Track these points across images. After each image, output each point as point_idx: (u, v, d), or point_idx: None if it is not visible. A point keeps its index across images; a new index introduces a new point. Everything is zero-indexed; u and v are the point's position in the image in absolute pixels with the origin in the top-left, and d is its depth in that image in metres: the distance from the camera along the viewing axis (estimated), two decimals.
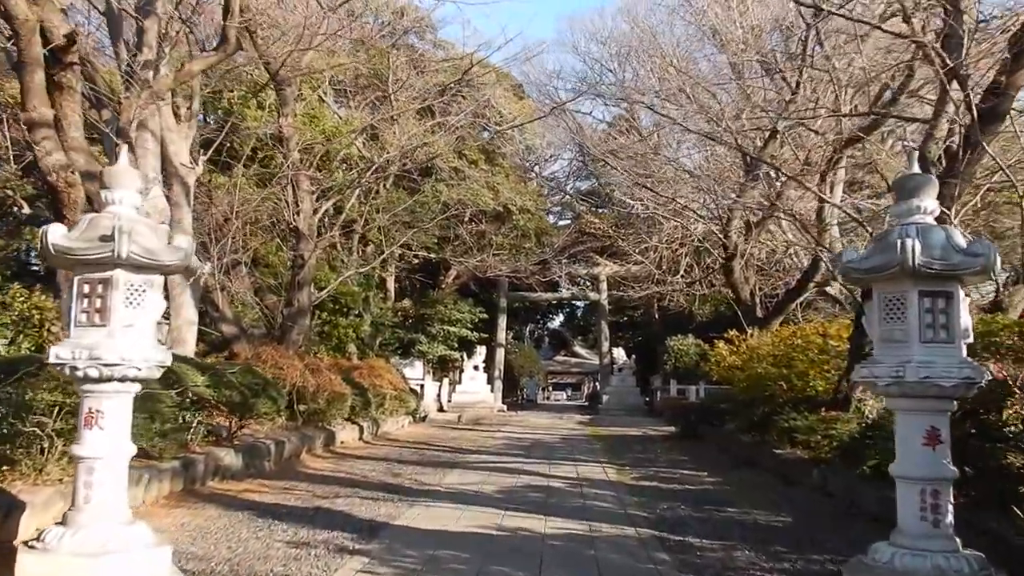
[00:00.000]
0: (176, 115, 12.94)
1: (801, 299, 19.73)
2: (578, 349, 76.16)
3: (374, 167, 19.37)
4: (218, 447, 10.79)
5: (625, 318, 46.70)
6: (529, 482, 11.88)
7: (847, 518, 8.75)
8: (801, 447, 12.31)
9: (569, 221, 43.09)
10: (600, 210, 42.37)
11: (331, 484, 11.09)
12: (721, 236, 19.58)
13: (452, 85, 21.73)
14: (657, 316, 40.56)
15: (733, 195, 18.50)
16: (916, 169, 5.42)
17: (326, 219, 21.28)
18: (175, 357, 10.91)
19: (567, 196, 48.44)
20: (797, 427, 11.93)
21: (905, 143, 16.85)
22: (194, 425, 10.21)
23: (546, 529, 8.03)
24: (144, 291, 5.50)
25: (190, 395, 10.24)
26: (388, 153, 19.98)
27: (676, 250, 29.61)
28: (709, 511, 9.39)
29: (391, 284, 32.46)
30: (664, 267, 29.84)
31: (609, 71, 45.24)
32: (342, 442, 16.53)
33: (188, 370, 10.05)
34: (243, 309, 17.96)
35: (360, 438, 17.86)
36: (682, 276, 29.34)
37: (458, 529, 7.92)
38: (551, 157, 46.91)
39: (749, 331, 18.33)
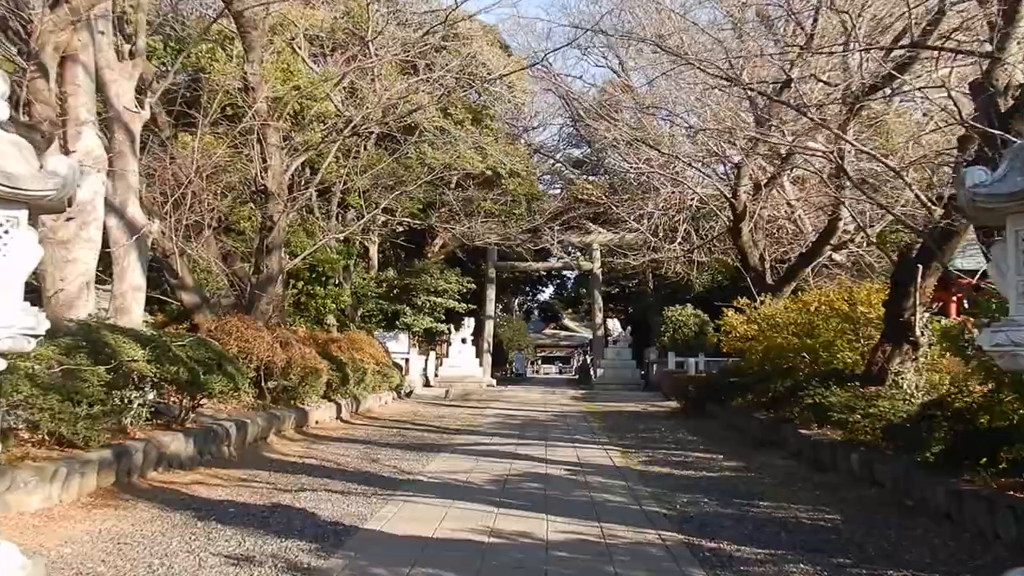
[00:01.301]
0: (119, 53, 11.27)
1: (815, 263, 18.22)
2: (568, 322, 74.97)
3: (352, 123, 17.69)
4: (166, 431, 9.26)
5: (617, 289, 45.24)
6: (525, 469, 10.43)
7: (909, 516, 7.31)
8: (833, 427, 10.88)
9: (559, 190, 41.50)
10: (592, 178, 40.83)
11: (297, 473, 9.62)
12: (729, 196, 18.05)
13: (436, 31, 19.92)
14: (652, 286, 39.10)
15: (742, 150, 16.96)
16: None
17: (301, 180, 19.67)
18: (113, 328, 9.40)
19: (558, 164, 46.88)
20: (830, 404, 10.47)
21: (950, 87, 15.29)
22: (134, 407, 8.68)
23: (550, 534, 6.57)
24: (5, 232, 4.00)
25: (133, 373, 8.73)
26: (367, 109, 18.29)
27: (673, 216, 28.14)
28: (739, 506, 7.95)
29: (374, 253, 30.80)
30: (661, 234, 28.35)
31: (601, 32, 43.87)
32: (317, 422, 15.04)
33: (124, 342, 8.50)
34: (209, 277, 16.39)
35: (338, 417, 16.37)
36: (679, 243, 27.83)
37: (442, 535, 6.45)
38: (540, 126, 45.38)
39: (760, 298, 16.85)
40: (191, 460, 9.36)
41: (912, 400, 9.61)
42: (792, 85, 16.37)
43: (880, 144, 24.11)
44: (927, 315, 11.41)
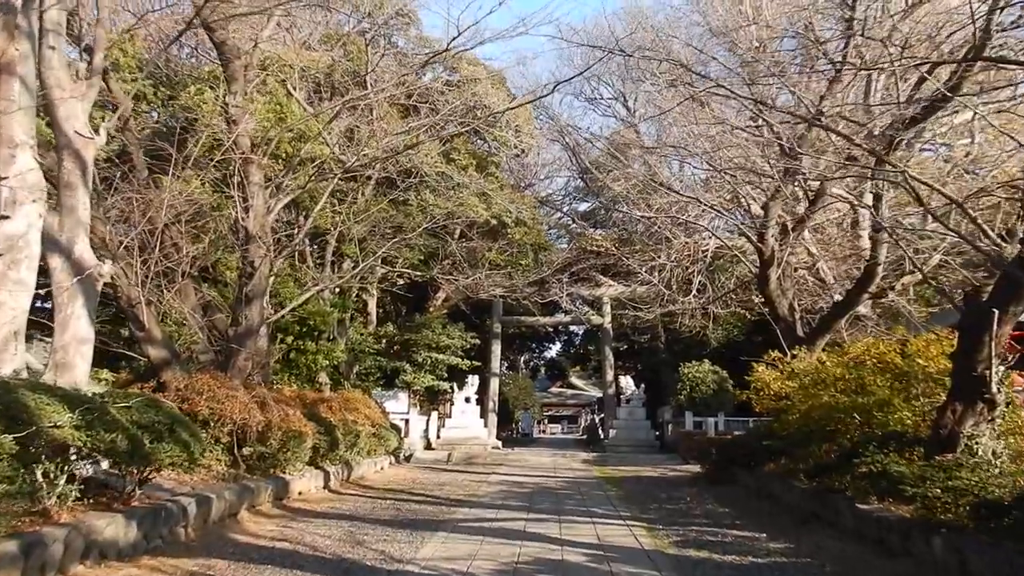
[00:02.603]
0: (75, 72, 9.93)
1: (850, 314, 16.62)
2: (575, 380, 73.04)
3: (346, 166, 16.35)
4: (104, 512, 7.65)
5: (628, 345, 43.52)
6: (537, 553, 8.75)
7: None
8: (897, 501, 9.21)
9: (567, 244, 40.15)
10: (600, 232, 39.51)
11: (262, 562, 7.96)
12: (754, 241, 16.56)
13: (436, 70, 18.70)
14: (664, 341, 37.41)
15: (766, 191, 15.55)
16: None
17: (292, 225, 18.26)
18: (36, 386, 7.83)
19: (565, 217, 45.67)
20: (899, 474, 8.81)
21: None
22: (60, 484, 7.10)
23: None
24: None
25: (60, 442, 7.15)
26: (364, 150, 16.98)
27: (688, 268, 26.68)
28: None
29: (372, 307, 29.27)
30: (674, 286, 26.84)
31: (607, 84, 43.03)
32: (300, 493, 13.37)
33: (47, 404, 6.94)
34: (181, 331, 14.88)
35: (325, 486, 14.69)
36: (695, 296, 26.25)
37: None
38: (547, 178, 44.35)
39: (792, 352, 15.25)
40: (133, 547, 7.71)
41: (1001, 470, 7.96)
42: (822, 118, 15.06)
43: (899, 194, 22.90)
44: (1002, 369, 9.80)
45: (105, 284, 12.61)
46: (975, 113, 13.54)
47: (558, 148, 43.38)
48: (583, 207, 46.97)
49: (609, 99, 42.65)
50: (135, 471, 8.28)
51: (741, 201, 18.75)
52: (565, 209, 46.36)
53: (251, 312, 13.44)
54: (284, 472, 13.03)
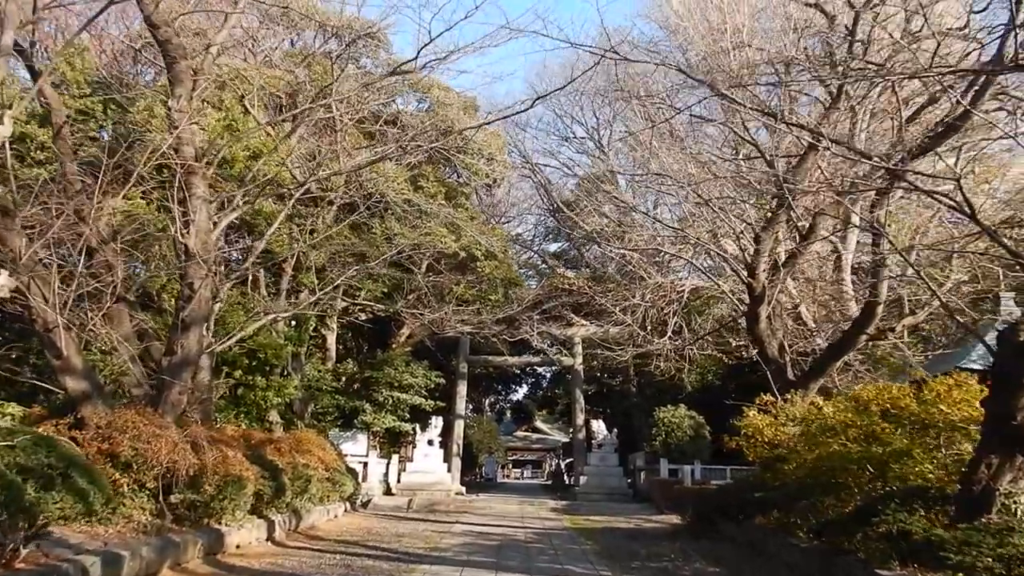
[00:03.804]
0: None
1: (845, 356, 15.46)
2: (540, 424, 71.47)
3: (305, 183, 15.00)
4: None
5: (596, 388, 42.14)
6: None
7: None
8: (927, 569, 7.94)
9: (537, 283, 38.93)
10: (572, 272, 38.41)
11: None
12: (744, 277, 15.42)
13: (403, 90, 17.53)
14: (636, 385, 36.13)
15: (761, 222, 14.48)
16: None
17: (246, 253, 16.81)
18: None
19: (535, 256, 44.61)
20: (937, 539, 7.54)
21: None
22: None
23: None
24: None
25: None
26: (325, 171, 15.66)
27: (663, 308, 25.58)
28: None
29: (332, 342, 27.63)
30: (649, 327, 25.70)
31: (579, 123, 42.32)
32: (238, 546, 11.76)
33: None
34: (107, 361, 13.33)
35: (269, 538, 13.07)
36: (670, 337, 25.05)
37: None
38: (518, 215, 43.39)
39: (787, 396, 14.06)
40: None
41: None
42: (817, 151, 14.06)
43: (894, 231, 22.08)
44: None
45: (20, 305, 11.14)
46: (960, 154, 12.60)
47: (529, 187, 42.58)
48: (554, 247, 46.07)
49: (583, 137, 41.91)
50: (22, 525, 6.76)
51: (727, 233, 17.67)
52: (536, 248, 45.37)
53: (188, 340, 11.92)
54: (220, 522, 11.45)
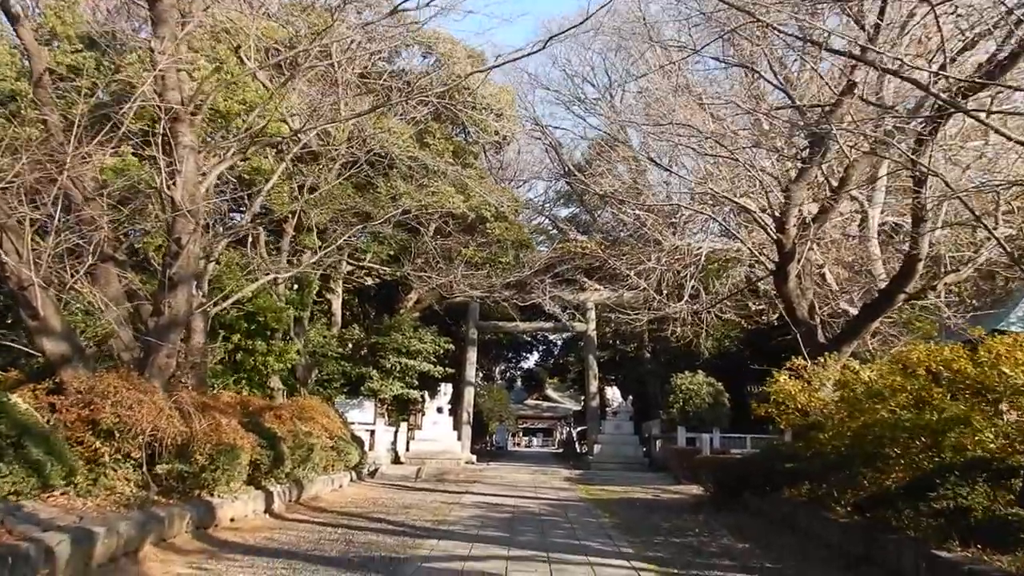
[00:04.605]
0: None
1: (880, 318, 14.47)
2: (551, 392, 70.89)
3: (303, 129, 14.05)
4: None
5: (608, 355, 41.23)
6: None
7: None
8: (995, 550, 7.07)
9: (549, 248, 37.93)
10: (584, 237, 37.39)
11: None
12: (773, 233, 14.42)
13: (408, 44, 16.47)
14: (652, 351, 35.19)
15: (785, 178, 13.46)
16: None
17: (241, 210, 15.91)
18: None
19: (546, 221, 43.59)
20: (1005, 518, 6.63)
21: None
22: None
23: None
24: None
25: None
26: (324, 122, 14.71)
27: (679, 272, 24.64)
28: None
29: (338, 307, 26.73)
30: (665, 291, 24.76)
31: (590, 84, 41.05)
32: (232, 519, 10.99)
33: None
34: (88, 321, 12.49)
35: (267, 510, 12.30)
36: (687, 302, 24.09)
37: None
38: (529, 178, 42.28)
39: (811, 360, 13.13)
40: None
41: None
42: (856, 90, 12.96)
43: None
44: None
45: None
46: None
47: (539, 151, 41.43)
48: (565, 212, 45.02)
49: (595, 99, 40.64)
50: None
51: (749, 192, 16.63)
52: (547, 214, 44.35)
53: (176, 299, 11.04)
54: (213, 494, 10.65)
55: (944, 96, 8.27)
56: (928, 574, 7.66)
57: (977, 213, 12.67)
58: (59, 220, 10.97)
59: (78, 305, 12.20)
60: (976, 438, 8.36)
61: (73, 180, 11.85)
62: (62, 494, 8.67)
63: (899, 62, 8.92)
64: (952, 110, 8.70)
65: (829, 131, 11.48)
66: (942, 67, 8.90)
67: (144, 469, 9.63)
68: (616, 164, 30.85)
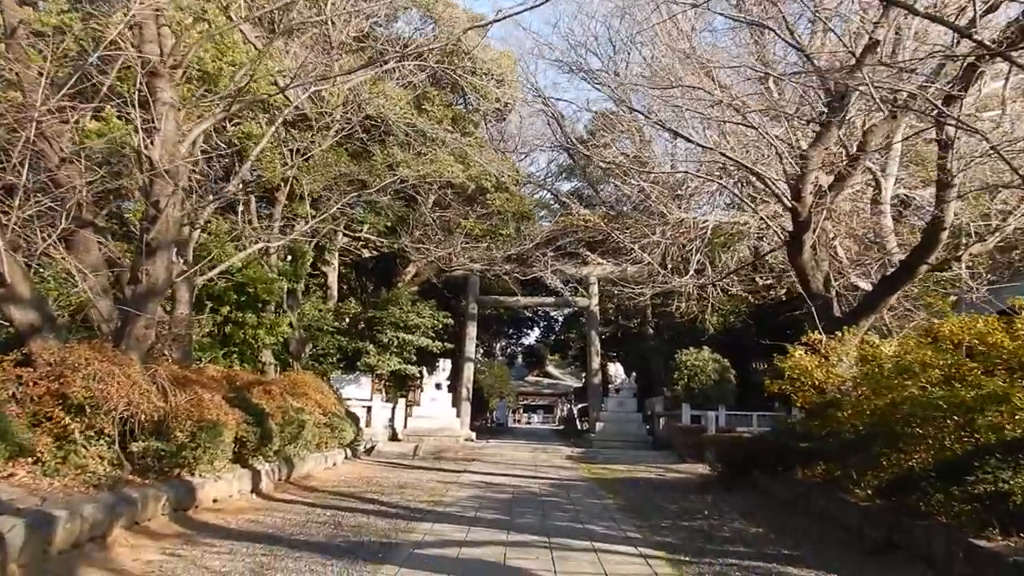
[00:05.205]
0: None
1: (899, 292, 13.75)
2: (551, 369, 70.42)
3: (283, 90, 13.26)
4: None
5: (607, 332, 40.55)
6: None
7: None
8: None
9: (551, 221, 37.16)
10: (587, 211, 36.65)
11: None
12: (788, 201, 13.68)
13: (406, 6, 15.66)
14: (655, 327, 34.52)
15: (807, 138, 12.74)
16: None
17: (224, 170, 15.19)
18: None
19: (548, 194, 42.78)
20: None
21: None
22: None
23: None
24: None
25: None
26: (314, 78, 13.96)
27: (684, 245, 23.93)
28: None
29: (334, 280, 26.02)
30: (669, 265, 24.06)
31: (593, 54, 40.13)
32: (215, 500, 10.37)
33: None
34: (62, 289, 11.81)
35: (253, 489, 11.69)
36: (692, 276, 23.37)
37: None
38: (530, 151, 41.43)
39: (827, 335, 12.46)
40: None
41: None
42: (877, 50, 12.19)
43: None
44: None
45: None
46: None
47: (541, 123, 40.58)
48: (567, 186, 44.19)
49: (599, 70, 39.73)
50: None
51: (760, 159, 15.89)
52: (549, 188, 43.52)
53: (155, 267, 10.35)
54: (194, 473, 10.03)
55: (985, 43, 7.52)
56: (965, 564, 7.02)
57: (1002, 181, 11.96)
58: (28, 180, 10.32)
59: (51, 273, 11.50)
60: (1017, 417, 7.69)
61: (49, 140, 11.17)
62: (27, 473, 8.09)
63: (932, 9, 8.17)
64: (990, 58, 7.95)
65: (852, 88, 10.72)
66: (971, 21, 8.20)
67: (117, 447, 9.00)
68: (620, 135, 30.05)
